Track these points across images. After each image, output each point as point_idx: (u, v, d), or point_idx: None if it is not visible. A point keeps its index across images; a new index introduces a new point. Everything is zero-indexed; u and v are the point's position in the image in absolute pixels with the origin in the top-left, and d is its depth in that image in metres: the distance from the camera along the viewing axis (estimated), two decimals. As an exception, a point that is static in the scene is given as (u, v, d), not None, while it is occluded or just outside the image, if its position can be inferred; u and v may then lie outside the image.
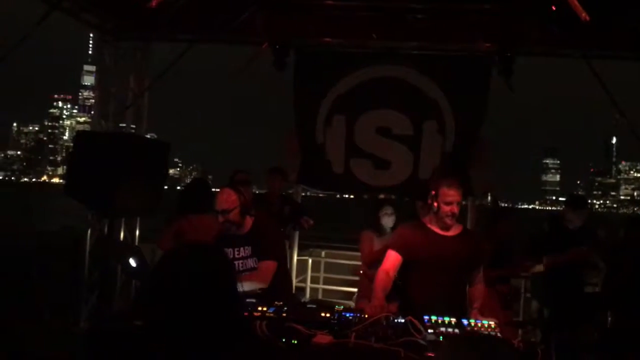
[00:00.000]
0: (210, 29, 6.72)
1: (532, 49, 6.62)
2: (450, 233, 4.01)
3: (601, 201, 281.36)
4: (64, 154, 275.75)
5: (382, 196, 6.87)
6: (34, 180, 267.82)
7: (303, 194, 7.77)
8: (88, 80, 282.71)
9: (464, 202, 4.30)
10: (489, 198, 7.55)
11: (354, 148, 7.05)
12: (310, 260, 8.53)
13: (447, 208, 3.88)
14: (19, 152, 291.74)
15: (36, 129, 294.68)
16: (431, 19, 6.26)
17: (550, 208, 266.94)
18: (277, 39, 6.64)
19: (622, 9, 5.52)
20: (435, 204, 3.92)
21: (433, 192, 3.94)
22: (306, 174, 7.24)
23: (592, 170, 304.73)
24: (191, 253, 1.77)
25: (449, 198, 3.86)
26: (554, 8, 5.44)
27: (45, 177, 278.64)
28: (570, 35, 5.77)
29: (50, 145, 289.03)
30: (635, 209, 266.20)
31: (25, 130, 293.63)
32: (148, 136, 7.85)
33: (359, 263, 6.51)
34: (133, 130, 7.41)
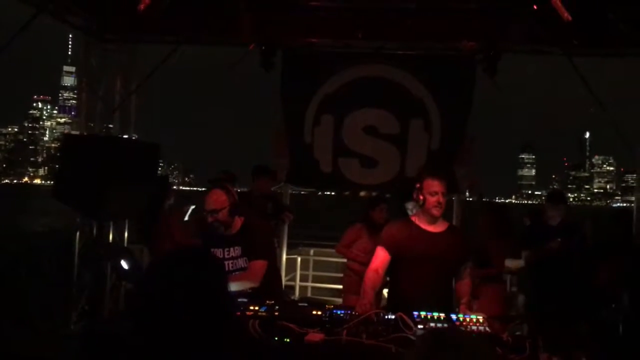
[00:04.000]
0: (197, 31, 6.73)
1: (515, 48, 6.71)
2: (437, 229, 4.05)
3: (575, 194, 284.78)
4: (44, 155, 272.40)
5: (370, 193, 6.97)
6: (15, 181, 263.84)
7: (291, 191, 7.82)
8: (68, 81, 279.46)
9: (453, 197, 4.35)
10: (467, 192, 7.62)
11: (342, 147, 7.11)
12: (299, 259, 8.57)
13: (432, 199, 3.92)
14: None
15: (15, 130, 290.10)
16: (416, 18, 6.33)
17: (526, 202, 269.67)
18: (264, 39, 6.67)
19: (603, 8, 5.63)
20: (421, 197, 3.96)
21: (418, 185, 3.99)
22: (295, 174, 7.30)
23: (566, 164, 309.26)
24: (183, 257, 1.78)
25: (434, 188, 3.90)
26: (535, 7, 5.52)
27: (26, 179, 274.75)
28: (553, 33, 5.85)
29: (30, 147, 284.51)
30: (608, 201, 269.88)
31: (4, 131, 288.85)
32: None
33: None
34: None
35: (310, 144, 7.19)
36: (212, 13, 6.45)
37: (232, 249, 4.21)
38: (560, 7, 4.62)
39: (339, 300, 6.91)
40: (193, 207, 6.53)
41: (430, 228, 4.04)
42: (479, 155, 8.23)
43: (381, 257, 4.06)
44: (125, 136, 7.27)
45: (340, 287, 7.52)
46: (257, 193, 6.64)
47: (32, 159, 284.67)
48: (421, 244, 3.98)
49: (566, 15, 4.67)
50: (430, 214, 3.98)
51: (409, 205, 5.70)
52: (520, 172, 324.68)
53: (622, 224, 5.78)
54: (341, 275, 7.66)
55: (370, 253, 4.26)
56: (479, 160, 7.87)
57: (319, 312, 3.40)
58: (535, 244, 5.70)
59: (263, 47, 6.68)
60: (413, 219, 4.14)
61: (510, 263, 5.62)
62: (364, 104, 7.04)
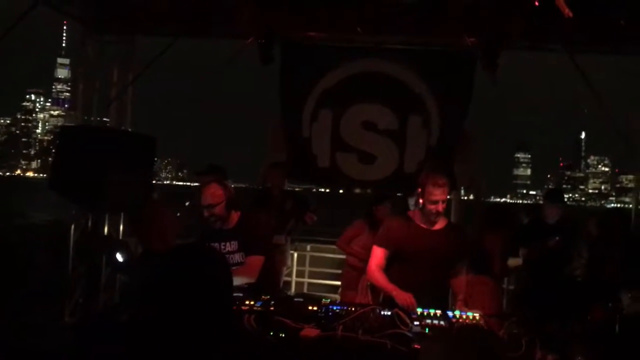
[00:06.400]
0: (196, 23, 6.67)
1: (515, 44, 6.67)
2: (435, 227, 4.06)
3: (570, 195, 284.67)
4: (37, 148, 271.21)
5: (366, 191, 6.97)
6: (7, 174, 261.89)
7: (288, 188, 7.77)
8: (62, 73, 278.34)
9: (449, 196, 4.34)
10: (462, 191, 7.60)
11: (340, 142, 7.07)
12: (295, 255, 8.53)
13: (432, 207, 3.92)
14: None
15: (8, 122, 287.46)
16: (416, 13, 6.28)
17: (521, 201, 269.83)
18: (263, 33, 6.61)
19: (605, 4, 5.59)
20: (421, 201, 3.97)
21: (419, 190, 3.98)
22: (292, 169, 7.25)
23: (561, 164, 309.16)
24: (188, 253, 1.76)
25: (435, 197, 3.90)
26: (537, 4, 5.49)
27: (19, 171, 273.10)
28: (554, 30, 5.82)
29: (23, 139, 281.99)
30: (603, 202, 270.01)
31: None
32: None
33: (344, 257, 6.55)
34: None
35: (308, 139, 7.16)
36: (211, 5, 6.40)
37: (228, 244, 4.19)
38: (562, 3, 4.59)
39: (336, 296, 6.88)
40: (188, 203, 6.51)
41: (429, 225, 4.03)
42: (479, 153, 8.21)
43: (379, 255, 4.08)
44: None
45: (337, 283, 7.51)
46: (274, 190, 6.60)
47: (24, 151, 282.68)
48: (419, 242, 3.99)
49: (567, 11, 4.64)
50: (428, 219, 4.01)
51: (411, 201, 5.69)
52: (515, 172, 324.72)
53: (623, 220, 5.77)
54: (338, 271, 7.64)
55: (370, 250, 4.25)
56: (479, 158, 7.84)
57: (315, 308, 3.40)
58: (532, 241, 5.68)
59: (262, 41, 6.62)
60: (412, 215, 4.12)
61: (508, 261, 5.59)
62: (362, 99, 7.01)
